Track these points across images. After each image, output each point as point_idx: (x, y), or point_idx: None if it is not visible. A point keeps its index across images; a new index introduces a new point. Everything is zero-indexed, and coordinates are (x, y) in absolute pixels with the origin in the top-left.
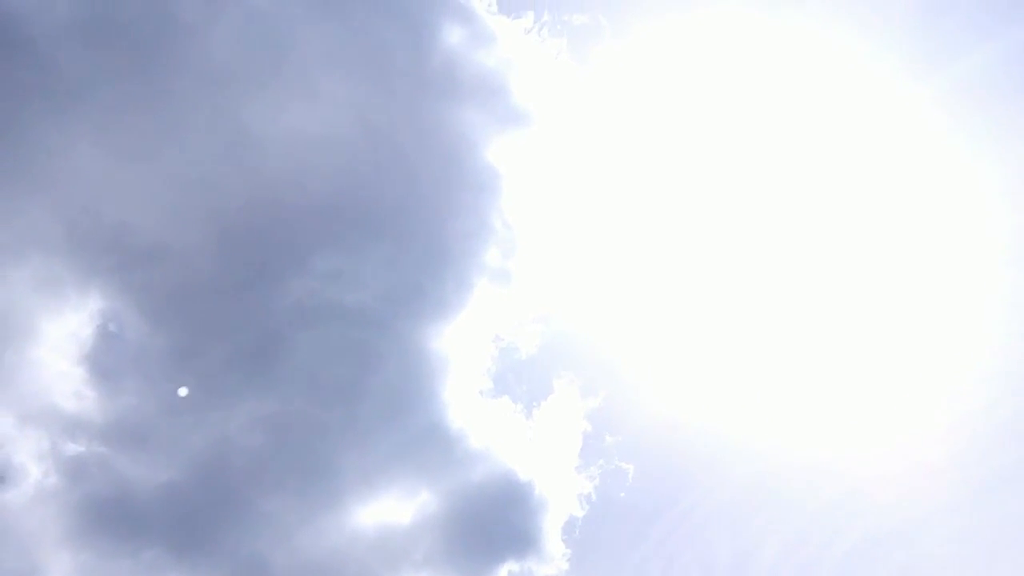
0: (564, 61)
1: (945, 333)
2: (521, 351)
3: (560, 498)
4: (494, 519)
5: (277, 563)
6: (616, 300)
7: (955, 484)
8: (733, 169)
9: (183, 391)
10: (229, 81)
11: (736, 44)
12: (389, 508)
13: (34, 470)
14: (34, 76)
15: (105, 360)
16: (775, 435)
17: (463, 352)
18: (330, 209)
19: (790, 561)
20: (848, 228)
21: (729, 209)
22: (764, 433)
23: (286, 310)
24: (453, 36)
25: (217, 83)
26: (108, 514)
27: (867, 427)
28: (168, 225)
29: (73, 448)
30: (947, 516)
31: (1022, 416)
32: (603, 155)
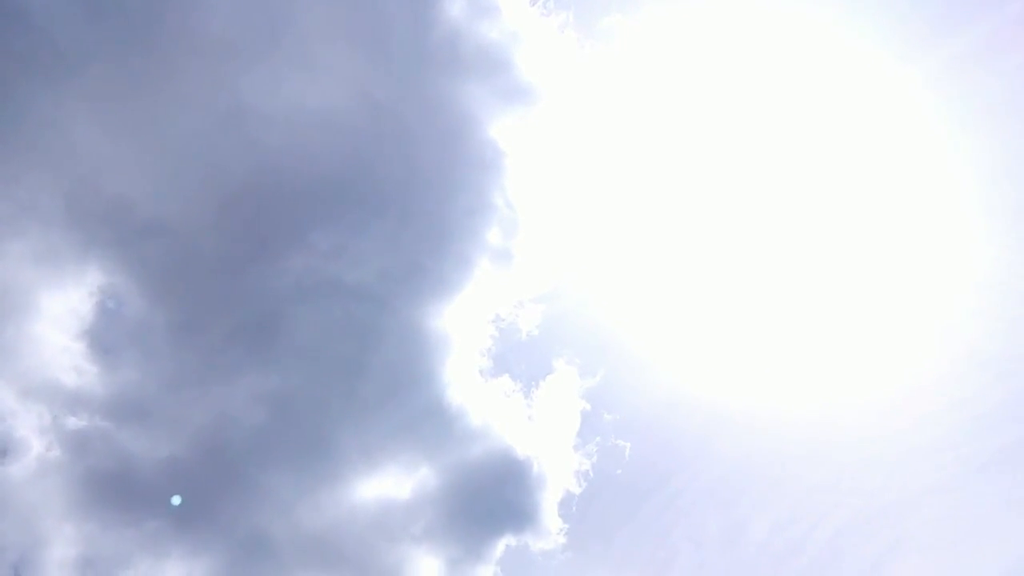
0: (569, 35)
1: (934, 319)
2: (521, 331)
3: (558, 475)
4: (492, 495)
5: (277, 536)
6: (616, 281)
7: (942, 467)
8: (731, 153)
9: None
10: (228, 54)
11: (737, 23)
12: (389, 483)
13: (36, 444)
14: (32, 48)
15: (105, 335)
16: (767, 416)
17: (463, 331)
18: (330, 185)
19: (780, 539)
20: (843, 217)
21: (728, 193)
22: (756, 414)
23: (286, 286)
24: (455, 8)
25: (216, 56)
26: (110, 487)
27: (857, 410)
28: (168, 200)
29: (74, 422)
30: (934, 498)
31: (1008, 403)
32: (607, 133)
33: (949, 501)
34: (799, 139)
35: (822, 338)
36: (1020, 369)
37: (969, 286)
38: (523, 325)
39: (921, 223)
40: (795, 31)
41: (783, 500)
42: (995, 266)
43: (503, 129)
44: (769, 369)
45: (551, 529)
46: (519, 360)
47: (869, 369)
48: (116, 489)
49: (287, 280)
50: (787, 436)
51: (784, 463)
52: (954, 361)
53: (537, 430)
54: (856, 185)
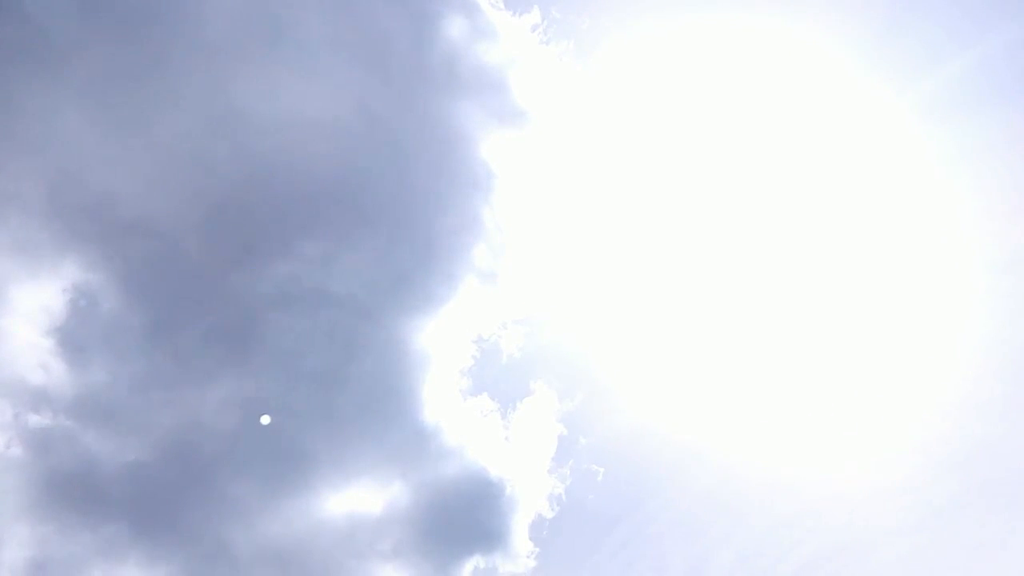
0: (568, 63)
1: (901, 367)
2: (502, 352)
3: (531, 497)
4: (464, 514)
5: (241, 548)
6: (599, 308)
7: (903, 509)
8: (717, 186)
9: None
10: (227, 57)
11: (729, 60)
12: (360, 498)
13: None
14: (25, 39)
15: (76, 332)
16: (736, 450)
17: (444, 349)
18: (321, 194)
19: (744, 572)
20: (819, 254)
21: (713, 225)
22: (726, 448)
23: (269, 292)
24: (456, 28)
25: (214, 58)
26: (70, 488)
27: (823, 449)
28: (154, 199)
29: (37, 420)
30: (894, 539)
31: (968, 450)
32: (597, 161)
33: (908, 542)
34: (788, 171)
35: (792, 378)
36: (981, 417)
37: (939, 336)
38: (505, 346)
39: (895, 266)
40: (787, 61)
41: (748, 534)
42: (969, 314)
43: (495, 150)
44: (741, 405)
45: (521, 552)
46: (499, 380)
47: (836, 411)
48: (76, 491)
49: (270, 286)
50: (755, 471)
51: (751, 497)
52: (918, 408)
53: (513, 451)
54: (835, 219)
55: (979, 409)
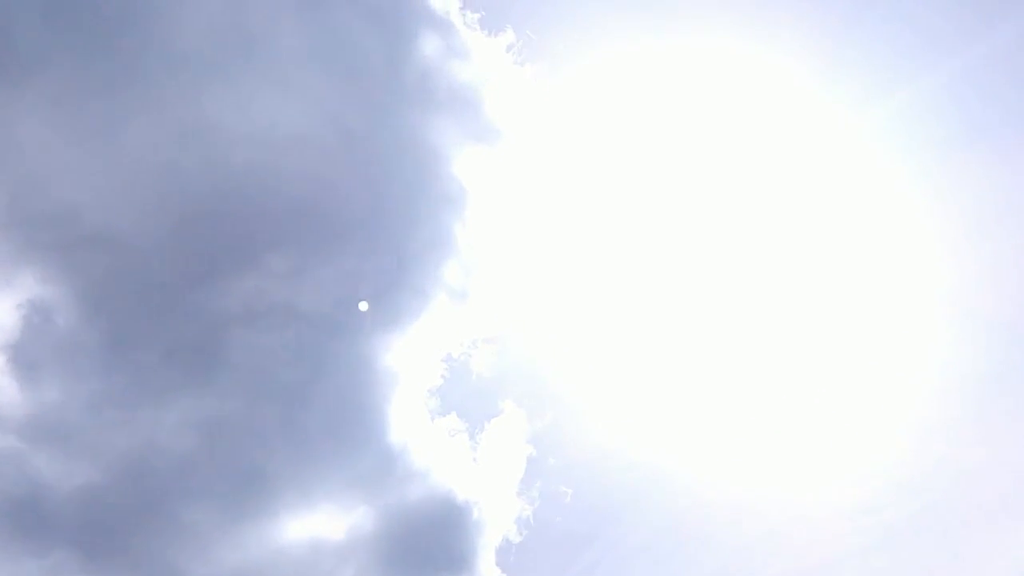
0: (542, 84)
1: (860, 385)
2: (472, 371)
3: (498, 521)
4: (430, 540)
5: (197, 575)
6: (570, 326)
7: (864, 530)
8: (690, 206)
9: None
10: (194, 68)
11: (702, 82)
12: (323, 523)
13: None
14: None
15: (30, 349)
16: (701, 472)
17: (412, 367)
18: (289, 208)
19: None
20: (787, 269)
21: (685, 248)
22: (691, 470)
23: (232, 308)
24: (429, 47)
25: (181, 69)
26: (17, 514)
27: (788, 471)
28: (118, 211)
29: None
30: (859, 560)
31: (928, 469)
32: (569, 181)
33: (870, 563)
34: (761, 189)
35: (756, 400)
36: (942, 437)
37: (898, 353)
38: (474, 365)
39: (854, 289)
40: (759, 81)
41: (716, 556)
42: (929, 337)
43: (467, 168)
44: (705, 426)
45: None
46: (468, 400)
47: (796, 433)
48: (23, 516)
49: (234, 301)
50: (721, 493)
51: (717, 520)
52: (877, 427)
53: (481, 473)
54: (809, 243)
55: (938, 431)
